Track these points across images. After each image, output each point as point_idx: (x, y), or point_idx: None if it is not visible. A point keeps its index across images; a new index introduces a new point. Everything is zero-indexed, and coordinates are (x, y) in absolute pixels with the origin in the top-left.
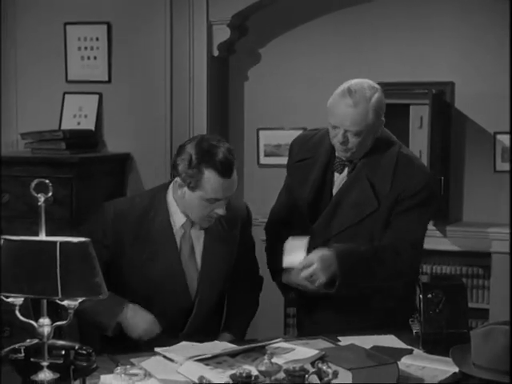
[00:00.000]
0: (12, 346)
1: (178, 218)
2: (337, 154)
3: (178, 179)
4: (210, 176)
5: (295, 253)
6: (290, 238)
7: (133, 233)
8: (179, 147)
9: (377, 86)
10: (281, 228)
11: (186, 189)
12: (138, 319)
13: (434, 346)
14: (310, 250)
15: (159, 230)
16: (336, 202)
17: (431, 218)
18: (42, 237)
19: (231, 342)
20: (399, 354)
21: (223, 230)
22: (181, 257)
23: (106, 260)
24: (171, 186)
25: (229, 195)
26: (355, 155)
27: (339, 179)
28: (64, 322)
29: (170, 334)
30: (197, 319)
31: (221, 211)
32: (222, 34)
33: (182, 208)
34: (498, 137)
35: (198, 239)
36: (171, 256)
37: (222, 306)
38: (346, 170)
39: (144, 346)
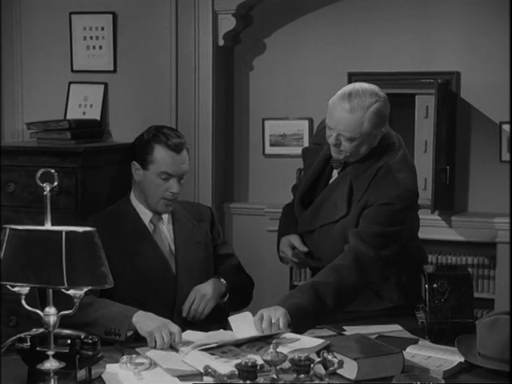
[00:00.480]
0: (18, 335)
1: (144, 215)
2: (331, 153)
3: (134, 163)
4: (160, 150)
5: (245, 329)
6: (231, 318)
7: (111, 238)
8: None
9: (381, 94)
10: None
11: (141, 171)
12: (151, 316)
13: (440, 335)
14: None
15: (133, 229)
16: (322, 198)
17: (404, 222)
18: (48, 226)
19: None
20: (404, 343)
21: (191, 222)
22: (161, 248)
23: None
24: (131, 192)
25: (180, 172)
26: (349, 158)
27: (334, 176)
28: (70, 312)
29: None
30: (180, 312)
31: (174, 189)
32: (228, 23)
33: (143, 197)
34: (504, 126)
35: (169, 232)
36: (151, 249)
37: None
38: (339, 168)
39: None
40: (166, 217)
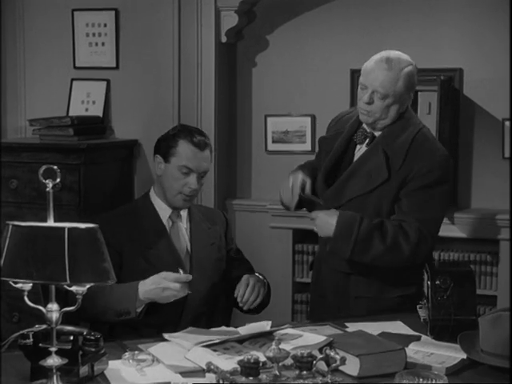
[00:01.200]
0: (21, 332)
1: (163, 212)
2: (360, 118)
3: (157, 156)
4: (183, 144)
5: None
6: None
7: (127, 233)
8: None
9: (412, 61)
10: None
11: (163, 164)
12: (151, 281)
13: (442, 332)
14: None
15: (150, 226)
16: (351, 171)
17: (445, 202)
18: (51, 223)
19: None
20: (407, 340)
21: (205, 224)
22: (176, 246)
23: (118, 262)
24: (152, 188)
25: (201, 169)
26: (377, 123)
27: (360, 150)
28: (72, 308)
29: (165, 330)
30: (190, 309)
31: (193, 184)
32: (230, 20)
33: (163, 192)
34: (507, 123)
35: (186, 230)
36: (167, 246)
37: (217, 304)
38: (366, 141)
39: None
40: (184, 215)
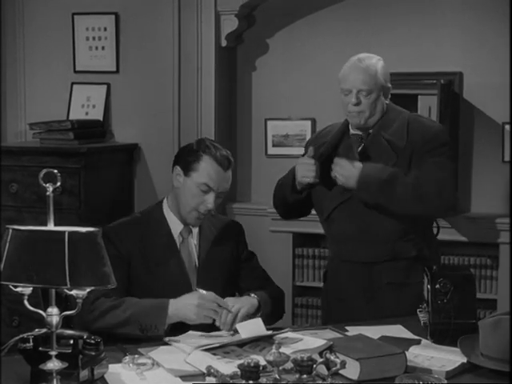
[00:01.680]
0: (21, 336)
1: (174, 226)
2: (352, 131)
3: (177, 167)
4: (207, 160)
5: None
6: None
7: (137, 245)
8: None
9: (379, 57)
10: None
11: (182, 177)
12: (184, 299)
13: (442, 336)
14: (331, 213)
15: (160, 239)
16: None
17: (451, 157)
18: (51, 226)
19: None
20: (407, 343)
21: (217, 240)
22: (185, 263)
23: (127, 273)
24: (165, 198)
25: (221, 190)
26: (368, 121)
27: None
28: (72, 312)
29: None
30: (198, 325)
31: (210, 204)
32: (230, 24)
33: (176, 206)
34: (507, 127)
35: (196, 247)
36: (175, 262)
37: None
38: (362, 146)
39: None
40: (195, 232)
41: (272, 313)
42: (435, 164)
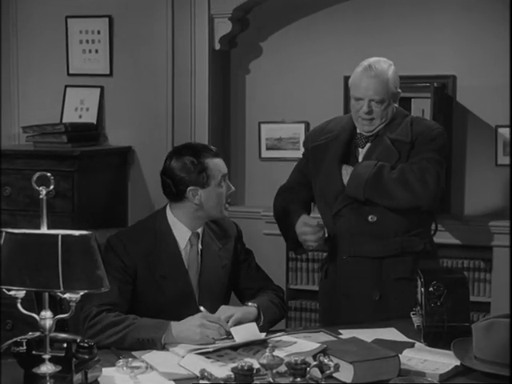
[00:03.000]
0: (14, 339)
1: (183, 235)
2: (358, 131)
3: (190, 188)
4: (211, 161)
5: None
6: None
7: (144, 256)
8: (164, 174)
9: (389, 61)
10: (292, 193)
11: (200, 191)
12: (187, 321)
13: (436, 339)
14: (339, 210)
15: (167, 251)
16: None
17: (444, 154)
18: (44, 230)
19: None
20: (401, 347)
21: (217, 245)
22: (189, 273)
23: (131, 283)
24: (167, 209)
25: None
26: (377, 127)
27: (363, 153)
28: (66, 315)
29: None
30: None
31: (232, 186)
32: (224, 27)
33: (193, 218)
34: (500, 130)
35: (199, 252)
36: (181, 274)
37: None
38: (368, 144)
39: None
40: (201, 235)
41: (275, 318)
42: (423, 156)
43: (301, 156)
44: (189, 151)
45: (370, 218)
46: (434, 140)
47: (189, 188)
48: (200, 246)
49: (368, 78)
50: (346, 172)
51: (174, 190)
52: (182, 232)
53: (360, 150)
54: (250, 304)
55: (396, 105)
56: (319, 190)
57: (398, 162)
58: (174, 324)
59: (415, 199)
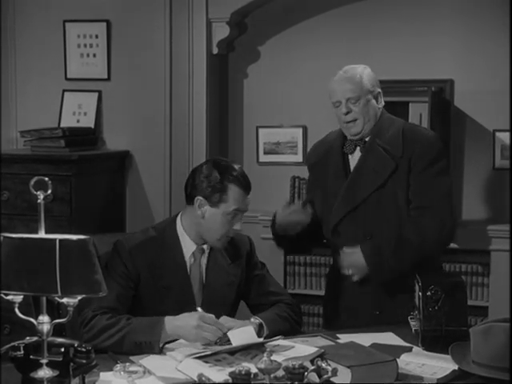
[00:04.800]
0: (11, 344)
1: (188, 248)
2: (348, 135)
3: (199, 198)
4: (234, 189)
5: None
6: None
7: (148, 265)
8: (193, 170)
9: (365, 65)
10: None
11: (207, 207)
12: (183, 318)
13: (434, 343)
14: (337, 225)
15: (172, 262)
16: (354, 174)
17: (448, 173)
18: (42, 234)
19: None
20: (398, 351)
21: (226, 261)
22: (192, 285)
23: (133, 292)
24: (179, 217)
25: (247, 209)
26: (363, 128)
27: (352, 159)
28: (64, 320)
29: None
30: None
31: (238, 225)
32: (222, 31)
33: (196, 231)
34: (497, 134)
35: (204, 267)
36: (184, 286)
37: None
38: (357, 150)
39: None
40: (207, 252)
41: (281, 331)
42: (432, 187)
43: (300, 160)
44: (223, 167)
45: (366, 236)
46: (436, 159)
47: (198, 197)
48: (205, 261)
49: (341, 80)
50: (345, 255)
51: (188, 190)
52: (188, 244)
53: (350, 156)
54: (252, 320)
55: (380, 106)
56: (320, 207)
57: (394, 173)
58: (168, 319)
59: (435, 252)
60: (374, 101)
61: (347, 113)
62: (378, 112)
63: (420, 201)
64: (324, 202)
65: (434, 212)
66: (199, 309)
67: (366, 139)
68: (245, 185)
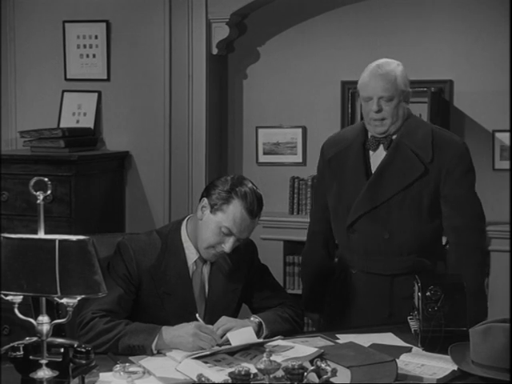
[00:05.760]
0: (11, 344)
1: (191, 255)
2: (370, 134)
3: (205, 200)
4: (236, 205)
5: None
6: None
7: (150, 269)
8: (217, 177)
9: (398, 62)
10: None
11: (207, 211)
12: (181, 328)
13: (433, 343)
14: (354, 222)
15: (174, 268)
16: (379, 173)
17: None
18: (41, 235)
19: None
20: (398, 351)
21: (229, 268)
22: (193, 292)
23: (133, 295)
24: (184, 222)
25: (242, 236)
26: (389, 128)
27: (374, 156)
28: (63, 320)
29: None
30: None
31: (227, 248)
32: (221, 32)
33: (194, 237)
34: (497, 135)
35: (207, 275)
36: (186, 293)
37: None
38: (380, 147)
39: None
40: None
41: (281, 332)
42: (466, 197)
43: (300, 160)
44: (239, 182)
45: (384, 235)
46: (464, 160)
47: (205, 199)
48: (207, 268)
49: (376, 77)
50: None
51: (204, 192)
52: (190, 252)
53: (371, 152)
54: (251, 319)
55: (408, 106)
56: (333, 202)
57: (423, 177)
58: (165, 329)
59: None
60: (404, 102)
61: (378, 111)
62: (406, 112)
63: (455, 217)
64: (339, 197)
65: (471, 229)
66: (198, 317)
67: (392, 137)
68: (249, 208)
